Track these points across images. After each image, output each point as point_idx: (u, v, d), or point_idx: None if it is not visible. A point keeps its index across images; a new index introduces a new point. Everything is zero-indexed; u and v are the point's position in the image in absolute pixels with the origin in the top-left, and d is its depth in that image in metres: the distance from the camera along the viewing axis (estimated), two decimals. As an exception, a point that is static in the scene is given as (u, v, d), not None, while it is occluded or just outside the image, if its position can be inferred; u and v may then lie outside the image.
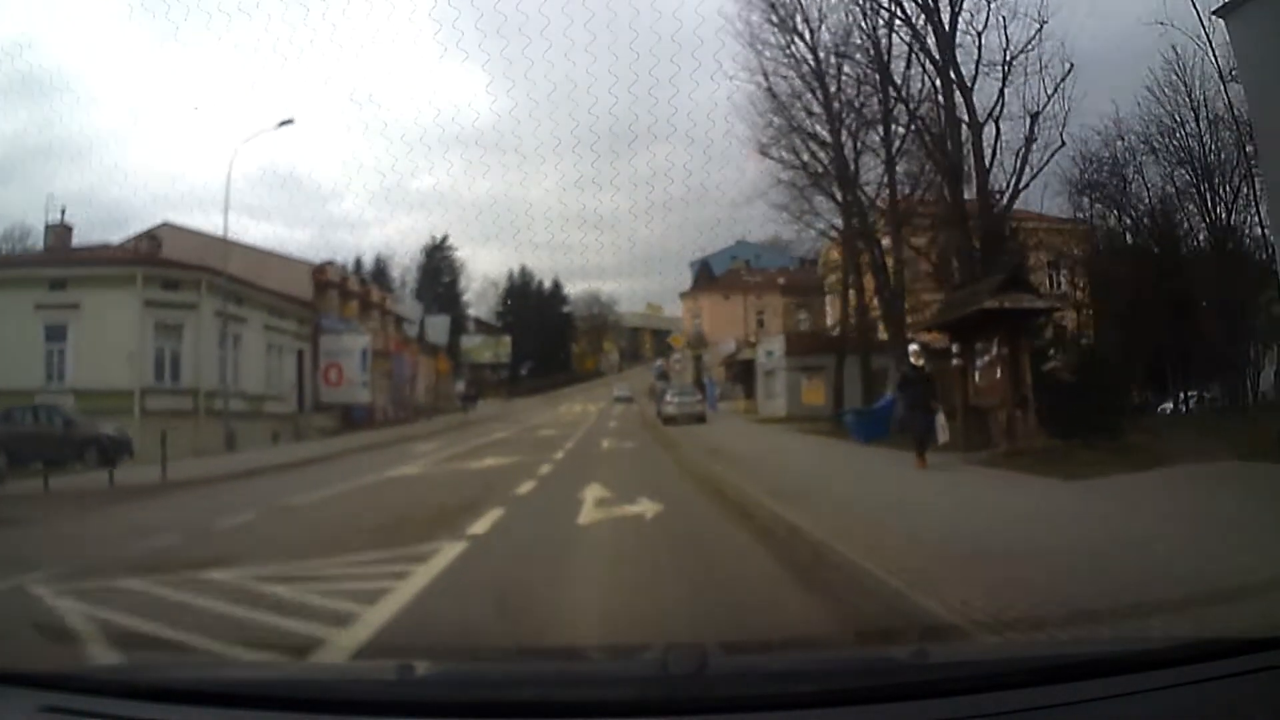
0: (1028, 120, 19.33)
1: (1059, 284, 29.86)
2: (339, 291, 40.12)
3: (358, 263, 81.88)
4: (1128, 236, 28.27)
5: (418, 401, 51.28)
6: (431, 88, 72.84)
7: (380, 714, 2.00)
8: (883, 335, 27.29)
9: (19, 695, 2.09)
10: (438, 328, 63.71)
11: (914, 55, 20.88)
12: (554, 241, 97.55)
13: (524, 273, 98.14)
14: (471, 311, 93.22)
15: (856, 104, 23.66)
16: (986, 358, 13.72)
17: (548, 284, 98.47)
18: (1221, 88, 22.83)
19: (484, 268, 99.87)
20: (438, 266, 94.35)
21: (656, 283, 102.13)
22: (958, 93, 19.22)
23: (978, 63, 19.19)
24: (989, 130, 18.96)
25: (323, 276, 38.55)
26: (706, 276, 71.83)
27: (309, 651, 4.45)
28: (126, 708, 2.02)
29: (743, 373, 46.14)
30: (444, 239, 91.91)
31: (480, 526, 8.86)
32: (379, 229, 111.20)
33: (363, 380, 35.58)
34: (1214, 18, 19.08)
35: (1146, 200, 26.81)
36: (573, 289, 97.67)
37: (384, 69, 77.43)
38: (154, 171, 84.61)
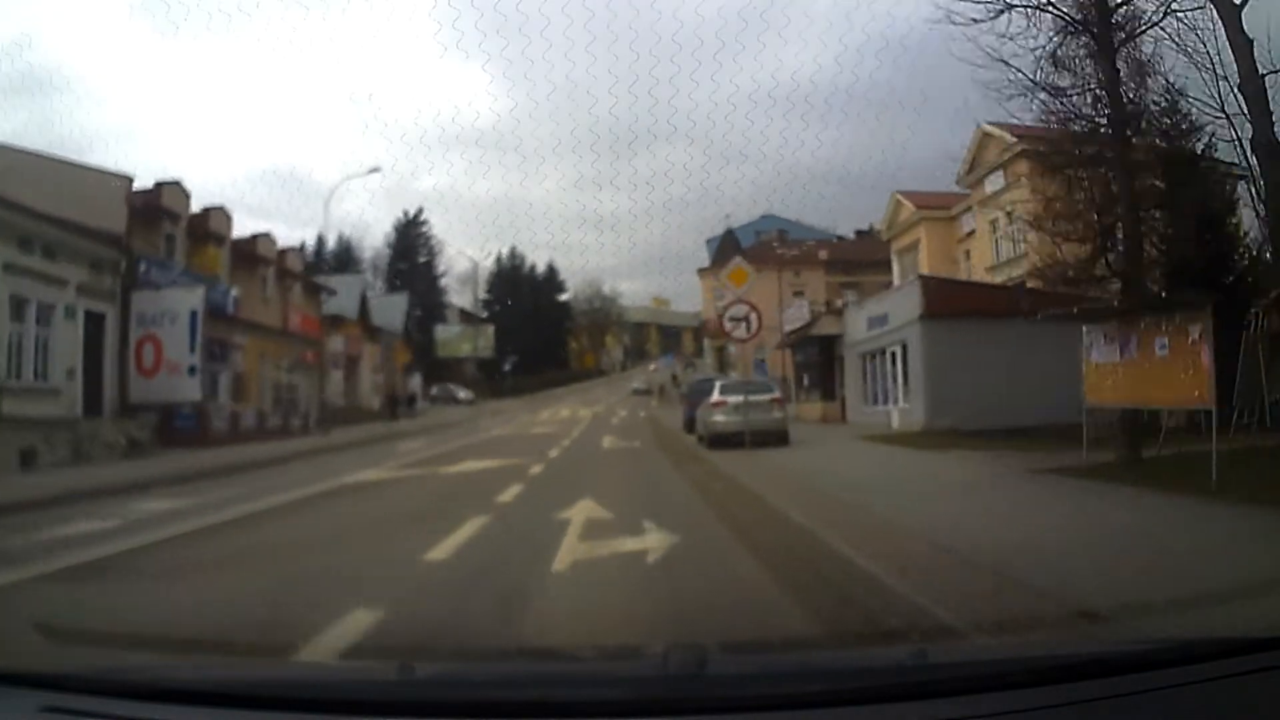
0: None
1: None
2: (187, 230, 23.74)
3: (319, 241, 72.41)
4: None
5: (357, 400, 40.69)
6: (432, 88, 71.83)
7: (380, 714, 1.96)
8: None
9: (19, 695, 2.08)
10: (389, 308, 47.03)
11: None
12: (557, 241, 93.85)
13: (514, 255, 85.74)
14: (456, 300, 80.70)
15: None
16: None
17: (541, 268, 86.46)
18: None
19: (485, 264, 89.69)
20: (410, 244, 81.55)
21: (660, 283, 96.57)
22: None
23: None
24: None
25: (153, 201, 21.98)
26: (731, 248, 55.22)
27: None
28: (126, 708, 2.00)
29: (818, 359, 28.38)
30: (418, 213, 79.42)
31: None
32: (379, 229, 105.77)
33: (189, 365, 19.11)
34: None
35: None
36: (572, 279, 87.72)
37: (384, 69, 76.90)
38: (156, 171, 70.58)
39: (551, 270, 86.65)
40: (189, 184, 28.98)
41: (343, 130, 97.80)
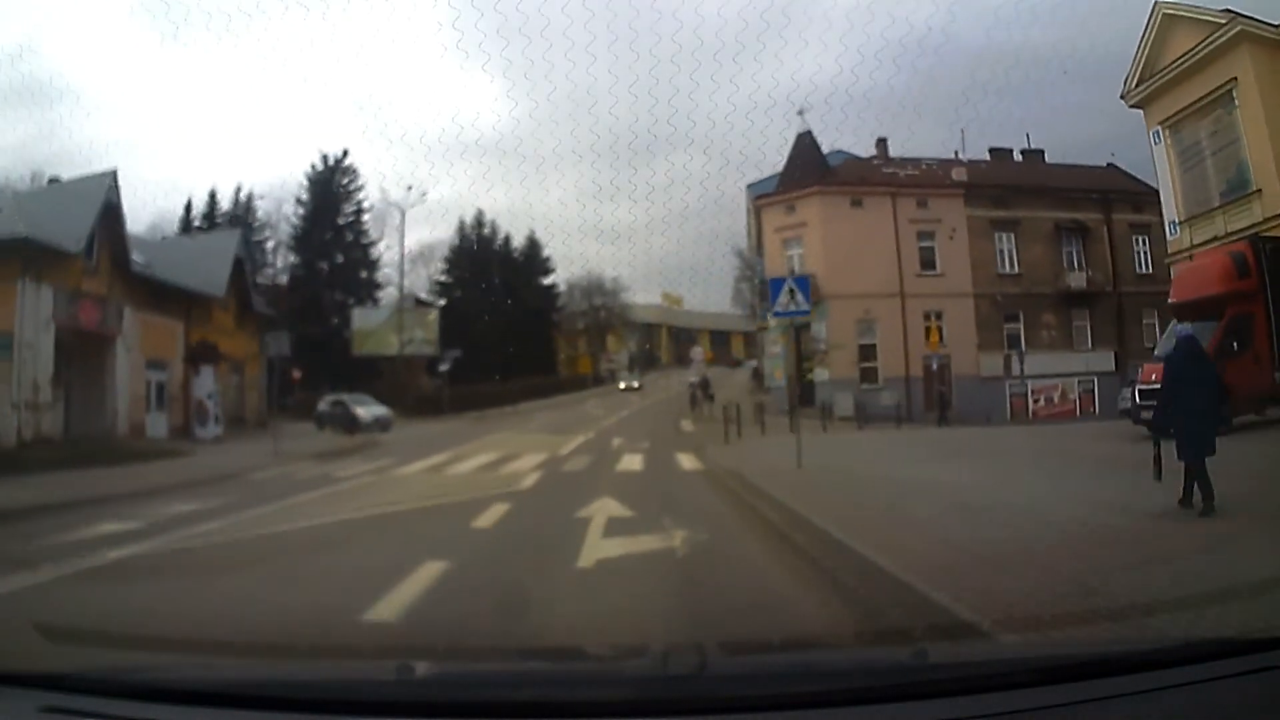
0: None
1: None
2: None
3: (212, 196, 58.09)
4: None
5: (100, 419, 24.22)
6: (436, 93, 72.60)
7: (380, 714, 2.05)
8: None
9: (19, 695, 2.15)
10: (199, 257, 21.57)
11: None
12: (564, 253, 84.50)
13: (480, 223, 66.72)
14: (396, 278, 60.91)
15: None
16: None
17: (519, 241, 68.17)
18: None
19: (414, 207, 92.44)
20: (331, 200, 60.19)
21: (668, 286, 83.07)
22: None
23: None
24: None
25: None
26: (812, 163, 28.95)
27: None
28: (126, 708, 2.08)
29: None
30: (343, 156, 59.84)
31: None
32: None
33: None
34: None
35: None
36: (566, 268, 79.62)
37: (385, 72, 76.04)
38: (158, 178, 78.60)
39: (533, 245, 68.76)
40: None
41: (345, 137, 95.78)
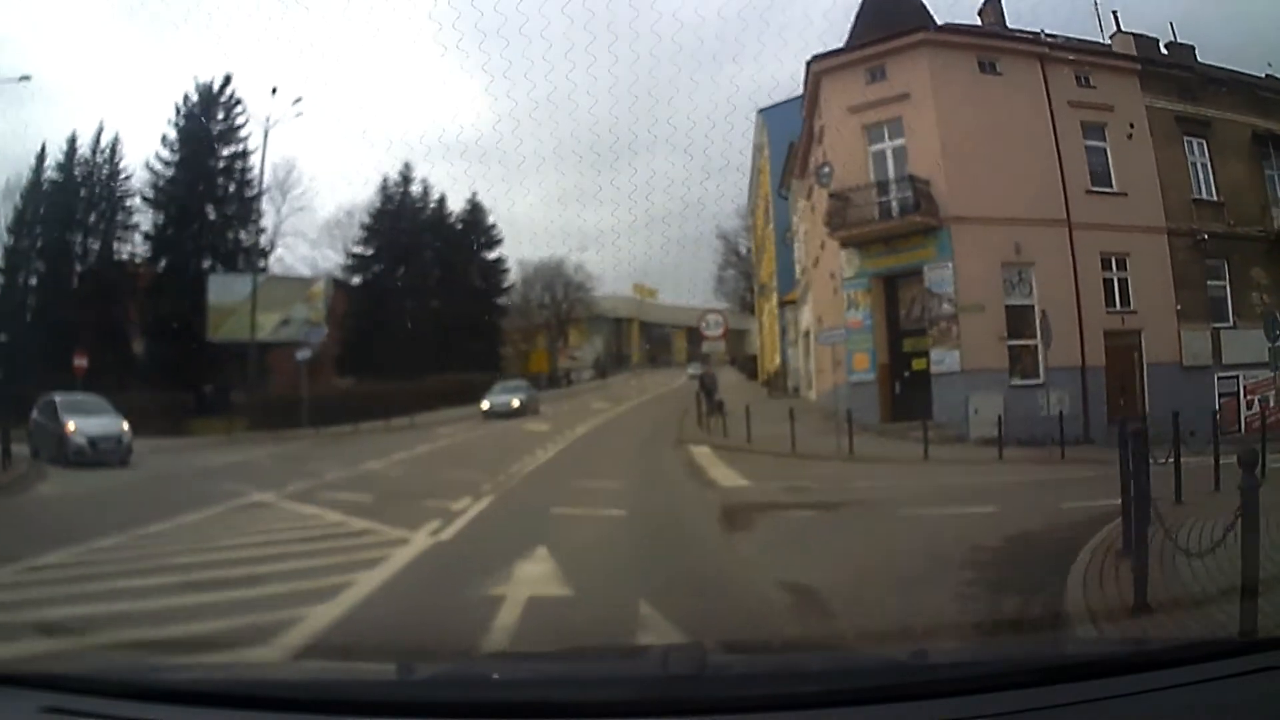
0: None
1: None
2: None
3: (71, 143, 44.08)
4: None
5: None
6: (411, 93, 67.35)
7: (380, 714, 2.05)
8: None
9: (19, 695, 2.14)
10: None
11: None
12: (554, 255, 67.78)
13: (407, 178, 53.00)
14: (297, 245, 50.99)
15: None
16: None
17: (457, 205, 54.66)
18: None
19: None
20: (204, 139, 45.28)
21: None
22: None
23: None
24: None
25: None
26: (907, 7, 11.86)
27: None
28: (126, 708, 2.07)
29: None
30: (223, 83, 45.32)
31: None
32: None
33: None
34: None
35: None
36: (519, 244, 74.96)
37: (364, 72, 71.51)
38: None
39: (475, 210, 55.81)
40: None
41: (325, 137, 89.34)
